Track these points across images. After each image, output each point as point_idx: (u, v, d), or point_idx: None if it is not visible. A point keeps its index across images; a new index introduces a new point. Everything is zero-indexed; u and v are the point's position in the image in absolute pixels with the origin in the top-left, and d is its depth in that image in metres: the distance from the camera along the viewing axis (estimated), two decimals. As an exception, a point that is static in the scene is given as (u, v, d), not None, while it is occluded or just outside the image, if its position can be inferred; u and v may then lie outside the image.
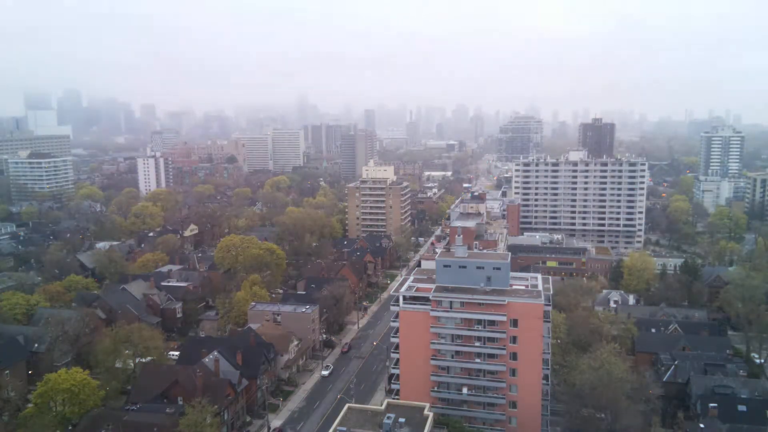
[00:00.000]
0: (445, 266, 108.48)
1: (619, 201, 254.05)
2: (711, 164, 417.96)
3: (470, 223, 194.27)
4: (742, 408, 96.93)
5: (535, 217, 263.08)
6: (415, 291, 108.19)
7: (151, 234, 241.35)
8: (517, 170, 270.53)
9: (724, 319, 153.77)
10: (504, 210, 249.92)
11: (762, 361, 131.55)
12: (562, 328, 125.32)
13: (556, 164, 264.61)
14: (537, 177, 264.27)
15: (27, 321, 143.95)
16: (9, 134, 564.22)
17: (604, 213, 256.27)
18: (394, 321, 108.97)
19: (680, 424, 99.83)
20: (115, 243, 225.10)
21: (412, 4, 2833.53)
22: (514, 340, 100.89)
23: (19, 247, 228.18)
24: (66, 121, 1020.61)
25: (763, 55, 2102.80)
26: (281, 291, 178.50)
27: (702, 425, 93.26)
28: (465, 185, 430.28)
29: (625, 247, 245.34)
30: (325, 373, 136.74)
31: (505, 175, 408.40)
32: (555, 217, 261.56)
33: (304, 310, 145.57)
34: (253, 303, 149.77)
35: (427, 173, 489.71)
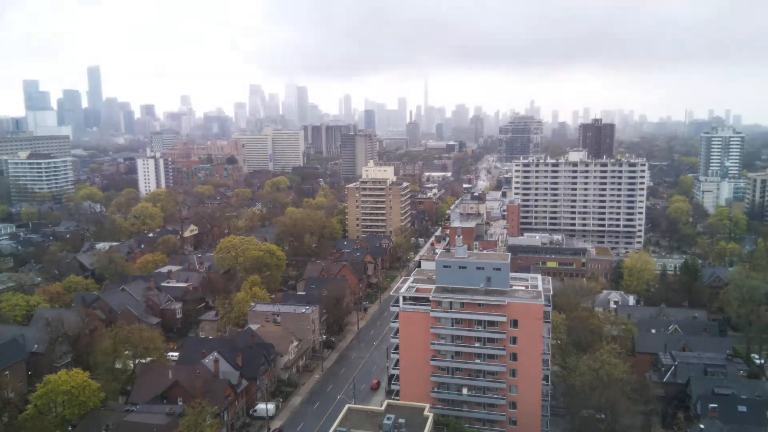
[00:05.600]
0: (445, 267, 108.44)
1: (619, 201, 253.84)
2: (711, 165, 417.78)
3: (470, 224, 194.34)
4: (742, 409, 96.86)
5: (535, 218, 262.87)
6: (415, 291, 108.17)
7: (150, 235, 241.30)
8: (516, 171, 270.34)
9: (725, 319, 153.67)
10: (504, 210, 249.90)
11: (762, 361, 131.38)
12: (562, 329, 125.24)
13: (556, 165, 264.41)
14: (537, 177, 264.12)
15: (27, 322, 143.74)
16: (9, 134, 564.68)
17: (604, 213, 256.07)
18: (394, 321, 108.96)
19: (680, 424, 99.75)
20: (115, 243, 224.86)
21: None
22: (514, 340, 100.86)
23: (19, 247, 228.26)
24: (66, 121, 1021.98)
25: (764, 55, 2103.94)
26: (282, 290, 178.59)
27: (702, 426, 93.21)
28: (465, 186, 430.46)
29: (625, 248, 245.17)
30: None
31: (505, 176, 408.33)
32: (555, 218, 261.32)
33: (303, 310, 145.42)
34: (252, 303, 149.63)
35: (427, 174, 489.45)
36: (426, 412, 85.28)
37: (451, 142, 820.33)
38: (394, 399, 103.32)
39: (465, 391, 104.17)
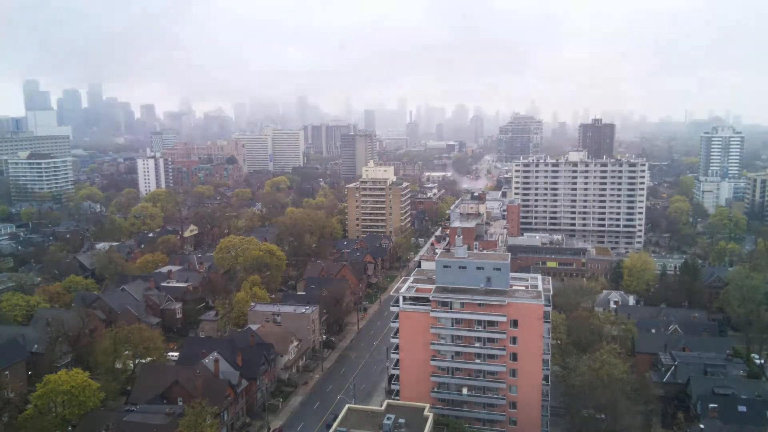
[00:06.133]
0: (445, 267, 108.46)
1: (619, 201, 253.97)
2: (711, 165, 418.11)
3: (470, 224, 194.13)
4: (742, 408, 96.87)
5: (535, 218, 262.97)
6: (415, 291, 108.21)
7: (150, 235, 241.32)
8: (516, 171, 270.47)
9: (724, 319, 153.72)
10: (504, 210, 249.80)
11: (762, 361, 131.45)
12: (562, 329, 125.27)
13: (556, 165, 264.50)
14: (537, 177, 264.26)
15: (27, 322, 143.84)
16: (9, 134, 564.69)
17: (604, 213, 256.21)
18: (394, 321, 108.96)
19: (680, 424, 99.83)
20: (114, 243, 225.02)
21: (414, 3, 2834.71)
22: (514, 340, 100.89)
23: (19, 247, 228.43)
24: (66, 121, 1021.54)
25: (764, 55, 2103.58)
26: (282, 290, 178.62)
27: (702, 426, 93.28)
28: (465, 186, 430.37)
29: (625, 248, 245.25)
30: None
31: (505, 176, 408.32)
32: (555, 218, 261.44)
33: (304, 310, 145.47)
34: (252, 303, 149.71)
35: (427, 174, 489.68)
36: (426, 412, 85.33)
37: (451, 142, 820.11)
38: (394, 399, 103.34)
39: (465, 391, 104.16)
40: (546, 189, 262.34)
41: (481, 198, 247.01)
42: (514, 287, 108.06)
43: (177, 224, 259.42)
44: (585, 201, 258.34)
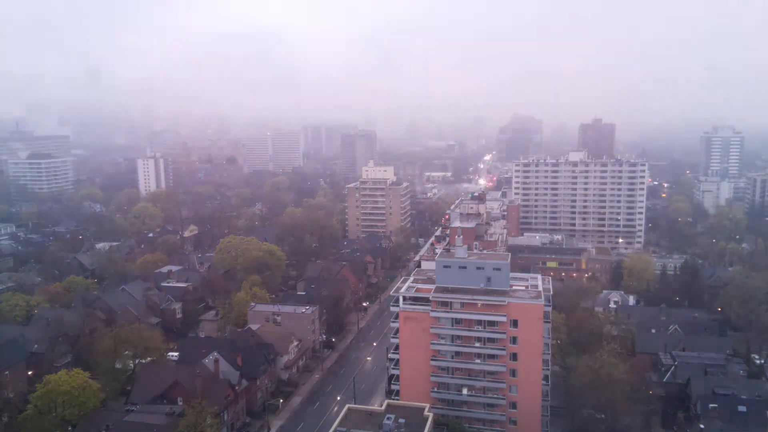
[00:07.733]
0: (445, 267, 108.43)
1: (619, 201, 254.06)
2: (711, 164, 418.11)
3: (470, 224, 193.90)
4: (742, 409, 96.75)
5: (535, 218, 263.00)
6: (415, 291, 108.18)
7: (150, 234, 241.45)
8: (516, 171, 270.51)
9: (725, 319, 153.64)
10: (504, 210, 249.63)
11: (762, 361, 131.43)
12: (562, 329, 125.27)
13: (555, 164, 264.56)
14: (537, 177, 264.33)
15: (27, 322, 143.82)
16: (9, 134, 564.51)
17: (604, 213, 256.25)
18: (393, 321, 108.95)
19: (680, 424, 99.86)
20: (114, 243, 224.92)
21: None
22: (514, 340, 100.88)
23: (19, 247, 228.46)
24: (66, 121, 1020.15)
25: (764, 54, 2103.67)
26: (282, 290, 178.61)
27: (702, 426, 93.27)
28: (465, 185, 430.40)
29: (625, 248, 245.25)
30: None
31: (505, 176, 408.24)
32: (555, 218, 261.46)
33: (303, 310, 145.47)
34: (252, 303, 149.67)
35: (427, 174, 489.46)
36: (426, 412, 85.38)
37: (451, 142, 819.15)
38: (394, 399, 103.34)
39: (465, 391, 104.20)
40: (546, 189, 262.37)
41: (481, 198, 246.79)
42: (514, 287, 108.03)
43: (177, 224, 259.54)
44: (585, 201, 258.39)
